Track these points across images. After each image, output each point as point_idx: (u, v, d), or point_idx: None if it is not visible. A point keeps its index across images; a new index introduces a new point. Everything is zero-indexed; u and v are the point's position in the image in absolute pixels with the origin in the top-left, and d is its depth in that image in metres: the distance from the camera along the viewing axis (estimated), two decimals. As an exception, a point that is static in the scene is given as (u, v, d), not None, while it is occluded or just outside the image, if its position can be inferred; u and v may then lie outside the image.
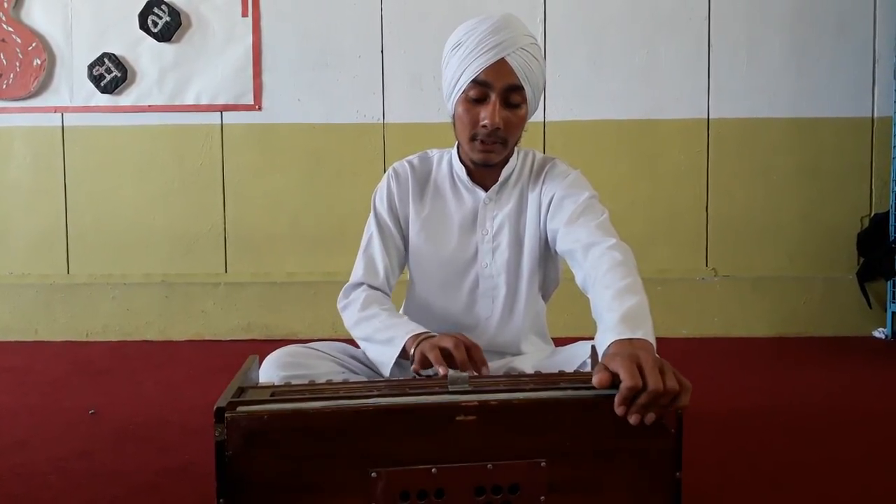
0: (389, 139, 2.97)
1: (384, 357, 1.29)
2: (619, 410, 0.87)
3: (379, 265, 1.44)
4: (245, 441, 0.86)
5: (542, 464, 0.89)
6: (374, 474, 0.88)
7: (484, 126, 1.30)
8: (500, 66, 1.27)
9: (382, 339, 1.31)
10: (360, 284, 1.44)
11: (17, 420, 1.91)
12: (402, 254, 1.47)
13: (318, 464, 0.88)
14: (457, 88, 1.31)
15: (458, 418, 0.88)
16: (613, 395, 0.87)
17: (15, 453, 1.65)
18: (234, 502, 0.87)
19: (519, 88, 1.29)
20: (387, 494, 0.88)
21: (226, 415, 0.86)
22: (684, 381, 0.89)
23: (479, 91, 1.29)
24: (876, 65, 2.91)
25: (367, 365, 1.40)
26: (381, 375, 1.36)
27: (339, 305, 1.44)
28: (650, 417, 0.87)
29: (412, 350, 1.23)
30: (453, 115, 1.36)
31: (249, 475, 0.87)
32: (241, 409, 0.88)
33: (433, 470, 0.88)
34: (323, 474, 0.88)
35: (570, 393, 0.92)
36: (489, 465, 0.89)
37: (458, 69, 1.30)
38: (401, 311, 1.45)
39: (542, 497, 0.90)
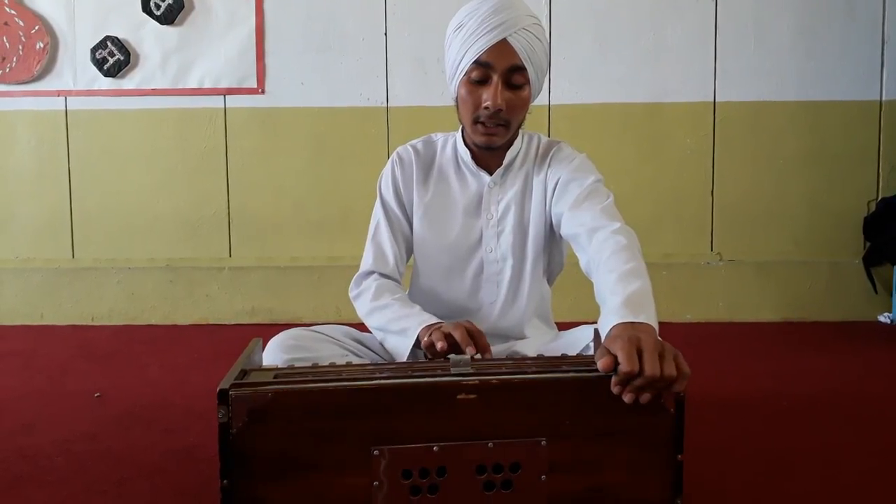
0: (393, 123, 2.95)
1: (400, 348, 1.30)
2: (615, 390, 0.91)
3: (388, 253, 1.44)
4: (249, 418, 0.87)
5: (543, 442, 0.90)
6: (376, 452, 0.89)
7: (486, 108, 1.29)
8: (502, 47, 1.26)
9: (396, 329, 1.31)
10: (370, 273, 1.44)
11: (23, 403, 1.92)
12: (409, 239, 1.47)
13: (321, 442, 0.89)
14: (459, 70, 1.31)
15: (459, 397, 0.89)
16: (611, 376, 0.89)
17: (21, 436, 1.66)
18: (236, 480, 0.88)
19: (521, 69, 1.28)
20: (389, 472, 0.89)
21: (230, 392, 0.87)
22: (684, 366, 0.90)
23: (481, 72, 1.28)
24: (885, 47, 2.88)
25: (371, 348, 1.41)
26: (384, 358, 1.37)
27: (351, 295, 1.45)
28: (645, 398, 0.90)
29: (424, 340, 1.23)
30: (456, 97, 1.35)
31: (252, 453, 0.88)
32: (245, 388, 0.89)
33: (435, 448, 0.89)
34: (325, 452, 0.89)
35: (569, 373, 0.94)
36: (490, 444, 0.90)
37: (460, 51, 1.29)
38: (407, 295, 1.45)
39: (543, 476, 0.91)
